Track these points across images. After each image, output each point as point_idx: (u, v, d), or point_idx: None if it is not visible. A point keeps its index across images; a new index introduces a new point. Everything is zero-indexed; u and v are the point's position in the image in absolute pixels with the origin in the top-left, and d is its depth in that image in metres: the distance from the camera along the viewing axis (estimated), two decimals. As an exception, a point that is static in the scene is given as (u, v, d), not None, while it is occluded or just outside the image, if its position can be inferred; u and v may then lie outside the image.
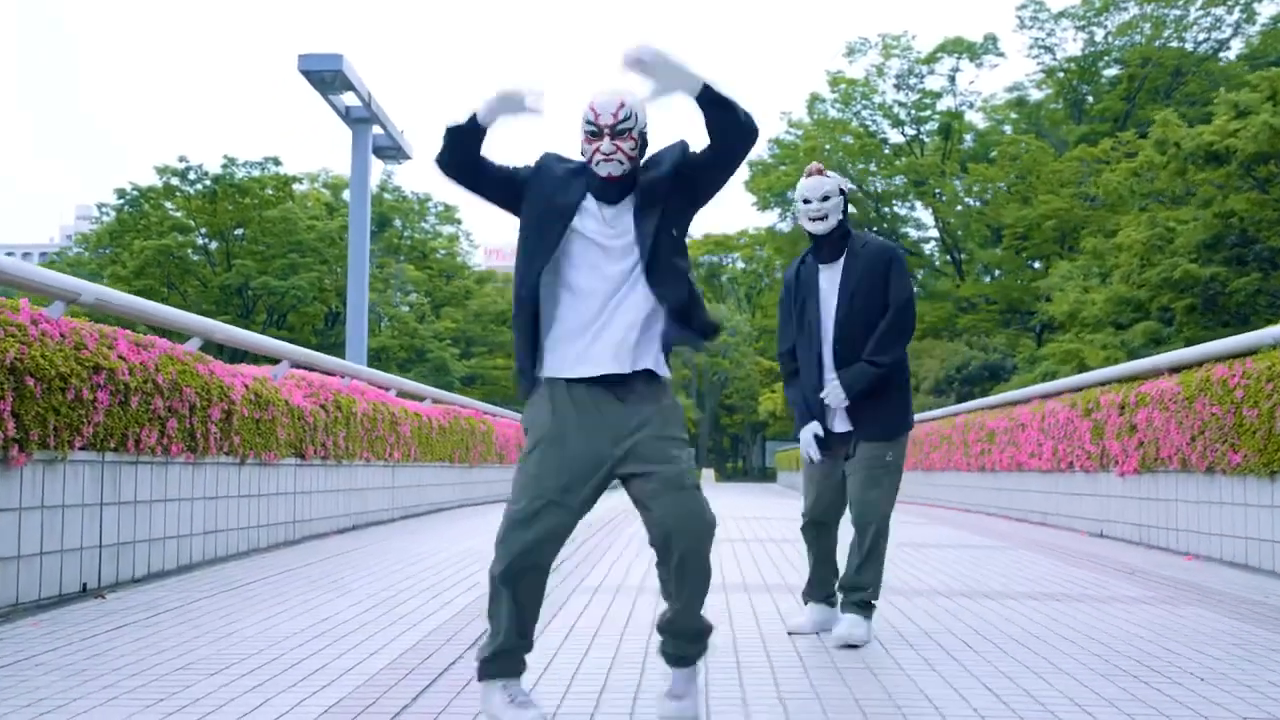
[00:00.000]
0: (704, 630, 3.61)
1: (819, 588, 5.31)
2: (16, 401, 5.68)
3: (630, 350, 3.50)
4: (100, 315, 8.59)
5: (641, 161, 3.61)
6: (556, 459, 3.46)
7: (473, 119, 3.54)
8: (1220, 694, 4.00)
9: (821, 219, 5.04)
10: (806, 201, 5.07)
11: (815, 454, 5.11)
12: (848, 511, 5.17)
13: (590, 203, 3.57)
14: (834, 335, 5.02)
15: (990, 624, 5.52)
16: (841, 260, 5.09)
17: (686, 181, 3.56)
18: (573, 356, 3.52)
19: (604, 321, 3.51)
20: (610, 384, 3.50)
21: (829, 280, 5.10)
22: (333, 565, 8.04)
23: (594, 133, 3.51)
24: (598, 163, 3.52)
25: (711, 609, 5.65)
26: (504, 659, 3.51)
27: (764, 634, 5.24)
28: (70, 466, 6.30)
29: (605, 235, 3.54)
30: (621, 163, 3.51)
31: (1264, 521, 8.04)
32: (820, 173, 5.11)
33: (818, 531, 5.28)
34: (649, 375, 3.54)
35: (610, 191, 3.55)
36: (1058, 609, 6.06)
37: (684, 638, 3.59)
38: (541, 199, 3.59)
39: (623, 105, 3.51)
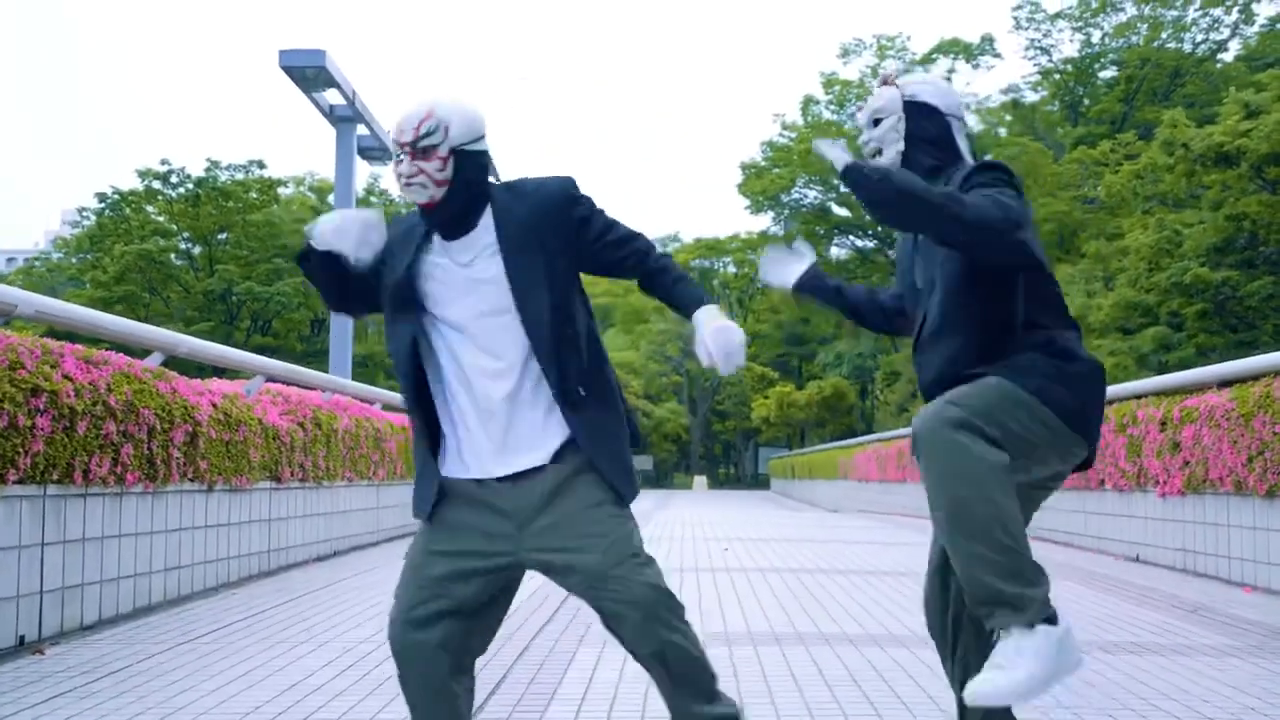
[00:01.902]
0: None
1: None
2: (-68, 432, 4.88)
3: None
4: (60, 331, 7.78)
5: (475, 179, 2.93)
6: None
7: (308, 250, 2.90)
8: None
9: (876, 154, 3.25)
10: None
11: None
12: None
13: (436, 240, 2.95)
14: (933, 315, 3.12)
15: (1070, 688, 4.73)
16: None
17: (570, 240, 2.95)
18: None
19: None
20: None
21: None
22: (307, 604, 7.23)
23: (396, 155, 2.85)
24: (403, 188, 2.87)
25: (767, 667, 4.83)
26: None
27: (809, 703, 4.45)
28: (4, 503, 5.50)
29: (455, 282, 2.92)
30: (425, 186, 2.83)
31: (1339, 553, 7.28)
32: (889, 83, 3.28)
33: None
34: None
35: (443, 224, 2.92)
36: (1138, 666, 5.28)
37: None
38: (390, 261, 2.96)
39: (428, 116, 2.83)
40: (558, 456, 2.88)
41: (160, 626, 6.36)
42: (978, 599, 2.75)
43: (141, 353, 7.52)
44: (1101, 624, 6.58)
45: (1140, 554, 10.53)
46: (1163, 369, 21.14)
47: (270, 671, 5.09)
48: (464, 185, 2.86)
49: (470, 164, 2.87)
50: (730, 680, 4.92)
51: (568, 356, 2.88)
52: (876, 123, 3.23)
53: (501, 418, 2.87)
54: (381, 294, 2.97)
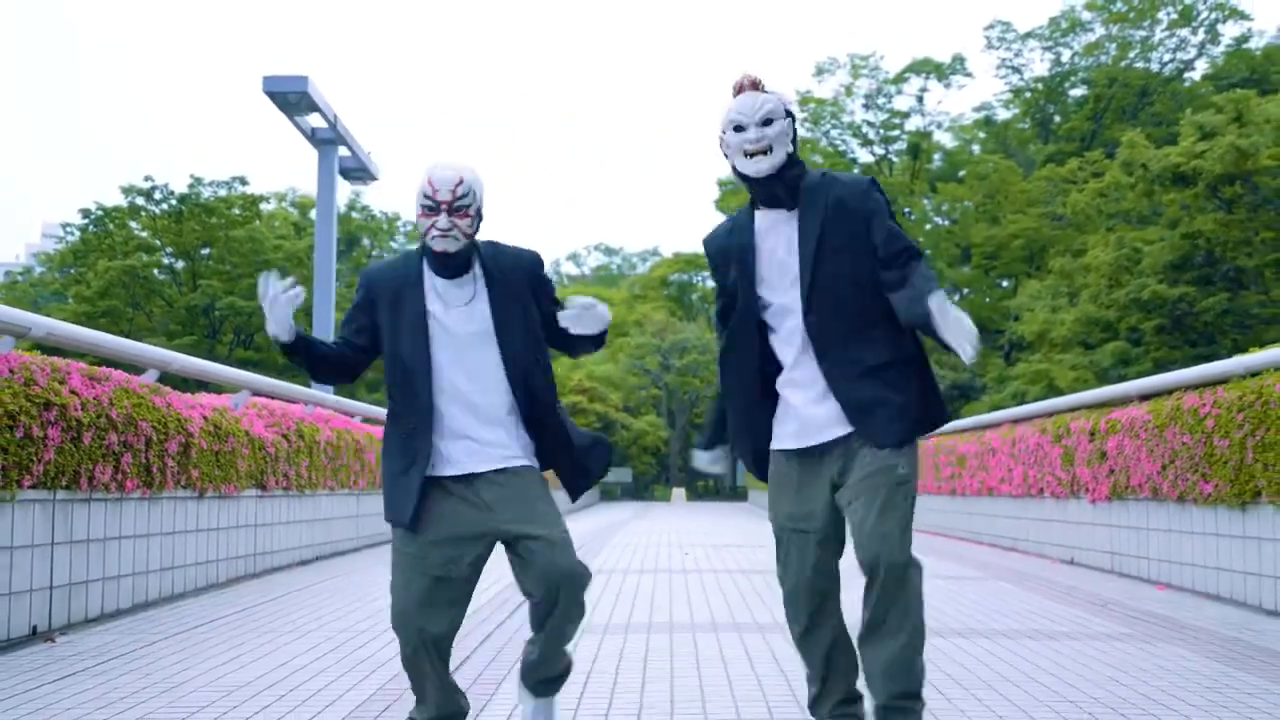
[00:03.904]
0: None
1: (834, 699, 3.65)
2: (-40, 442, 5.49)
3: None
4: (48, 347, 8.38)
5: (476, 234, 3.63)
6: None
7: (287, 343, 3.50)
8: (1200, 747, 3.89)
9: (767, 150, 3.55)
10: (740, 129, 3.57)
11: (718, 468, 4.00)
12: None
13: (430, 278, 3.60)
14: (804, 299, 3.59)
15: (964, 667, 5.40)
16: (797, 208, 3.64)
17: (534, 298, 3.68)
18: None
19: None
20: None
21: (782, 230, 3.66)
22: (290, 603, 7.86)
23: (431, 208, 3.50)
24: (433, 238, 3.51)
25: (700, 650, 5.53)
26: None
27: (731, 678, 5.10)
28: (19, 507, 6.11)
29: (451, 316, 3.57)
30: (457, 239, 3.52)
31: (1235, 553, 7.97)
32: (755, 87, 3.62)
33: (810, 622, 3.64)
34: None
35: (446, 267, 3.58)
36: (1033, 649, 5.95)
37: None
38: (389, 301, 3.60)
39: (461, 182, 3.51)
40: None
41: (157, 619, 6.98)
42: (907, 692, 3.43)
43: (135, 369, 8.14)
44: (1012, 615, 7.25)
45: (1075, 557, 11.23)
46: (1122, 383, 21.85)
47: (258, 655, 5.72)
48: (470, 241, 3.58)
49: (480, 223, 3.59)
50: (665, 660, 5.58)
51: (534, 380, 3.62)
52: (768, 122, 3.51)
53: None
54: (383, 332, 3.60)
